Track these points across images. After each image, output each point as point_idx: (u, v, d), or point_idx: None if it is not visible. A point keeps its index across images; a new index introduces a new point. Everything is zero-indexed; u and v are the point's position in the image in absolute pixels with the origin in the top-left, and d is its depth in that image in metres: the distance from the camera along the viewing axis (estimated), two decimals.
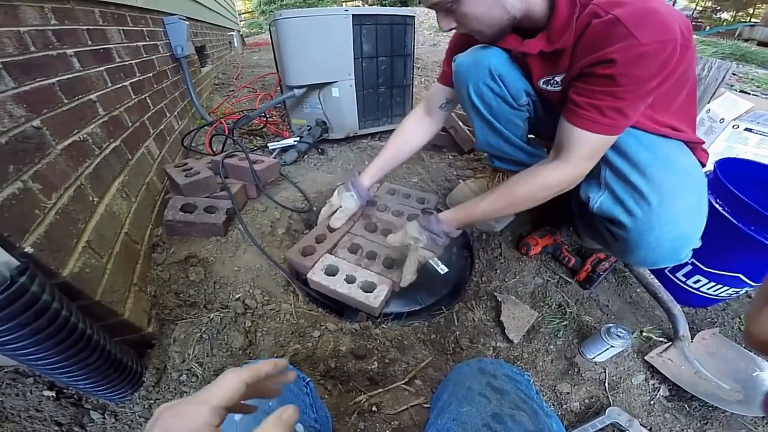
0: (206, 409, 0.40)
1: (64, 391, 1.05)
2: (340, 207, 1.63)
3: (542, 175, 1.17)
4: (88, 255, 1.01)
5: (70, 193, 1.03)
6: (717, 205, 1.31)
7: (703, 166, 1.23)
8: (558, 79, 1.15)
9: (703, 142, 1.21)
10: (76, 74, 1.25)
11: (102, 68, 1.45)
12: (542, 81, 1.20)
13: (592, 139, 1.04)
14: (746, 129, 2.10)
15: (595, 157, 1.10)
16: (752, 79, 5.33)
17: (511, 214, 1.26)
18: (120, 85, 1.58)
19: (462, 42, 1.43)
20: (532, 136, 1.59)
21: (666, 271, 1.56)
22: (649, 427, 1.17)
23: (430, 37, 7.54)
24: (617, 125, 1.01)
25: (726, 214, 1.29)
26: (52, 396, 1.02)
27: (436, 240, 1.35)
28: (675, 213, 1.05)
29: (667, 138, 1.12)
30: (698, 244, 1.13)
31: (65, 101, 1.14)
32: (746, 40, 8.37)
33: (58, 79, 1.13)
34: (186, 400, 0.41)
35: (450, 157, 2.48)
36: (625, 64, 0.91)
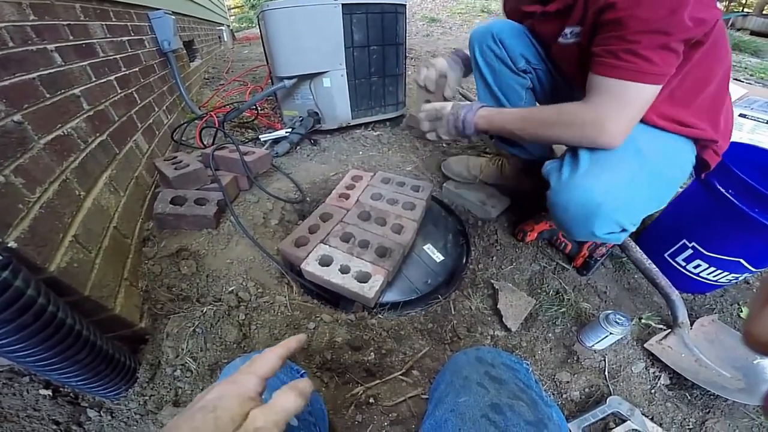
0: (254, 378, 0.49)
1: (60, 389, 1.04)
2: (446, 75, 1.54)
3: (567, 106, 1.10)
4: (75, 249, 0.99)
5: (54, 187, 1.01)
6: (720, 188, 1.30)
7: (708, 168, 1.23)
8: (568, 31, 1.16)
9: (716, 141, 1.16)
10: (57, 69, 1.23)
11: (85, 63, 1.43)
12: (561, 37, 1.21)
13: (612, 84, 0.99)
14: (740, 115, 2.11)
15: (621, 104, 1.00)
16: (746, 68, 5.36)
17: (528, 137, 1.20)
18: (105, 80, 1.57)
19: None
20: None
21: (665, 255, 1.55)
22: (650, 417, 1.16)
23: (423, 27, 7.50)
24: (639, 69, 0.94)
25: (728, 196, 1.27)
26: (49, 395, 1.01)
27: (451, 119, 1.32)
28: (592, 181, 1.04)
29: (660, 130, 1.11)
30: (628, 227, 1.11)
31: (47, 96, 1.13)
32: (739, 30, 8.36)
33: (39, 73, 1.12)
34: (237, 372, 0.50)
35: (444, 145, 2.47)
36: (626, 7, 0.90)
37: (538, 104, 1.57)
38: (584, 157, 1.08)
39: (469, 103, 1.32)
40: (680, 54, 0.94)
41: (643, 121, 1.07)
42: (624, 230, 1.12)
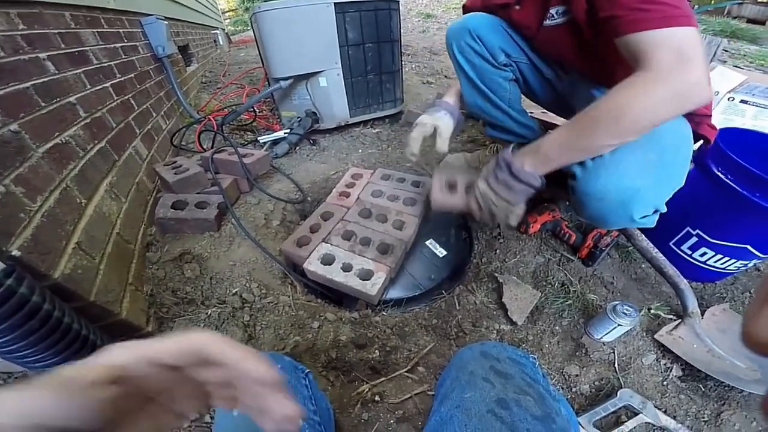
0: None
1: None
2: (437, 129, 1.43)
3: (623, 87, 0.91)
4: (79, 256, 0.99)
5: (55, 195, 1.02)
6: (720, 174, 1.28)
7: (708, 142, 1.20)
8: (554, 11, 1.15)
9: (710, 115, 1.15)
10: (51, 77, 1.24)
11: (79, 71, 1.44)
12: (544, 23, 1.20)
13: (659, 35, 0.85)
14: (742, 101, 2.10)
15: (684, 50, 0.84)
16: (744, 55, 5.34)
17: (598, 144, 0.98)
18: (100, 87, 1.57)
19: (473, 5, 1.55)
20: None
21: (671, 243, 1.53)
22: (663, 409, 1.13)
23: (418, 24, 7.48)
24: (672, 14, 0.83)
25: (729, 182, 1.25)
26: None
27: (497, 173, 1.12)
28: (625, 164, 0.99)
29: None
30: (662, 207, 1.06)
31: (42, 104, 1.14)
32: (735, 18, 8.33)
33: (32, 83, 1.12)
34: None
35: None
36: None
37: (522, 96, 1.57)
38: None
39: (489, 167, 1.16)
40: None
41: None
42: (656, 211, 1.07)
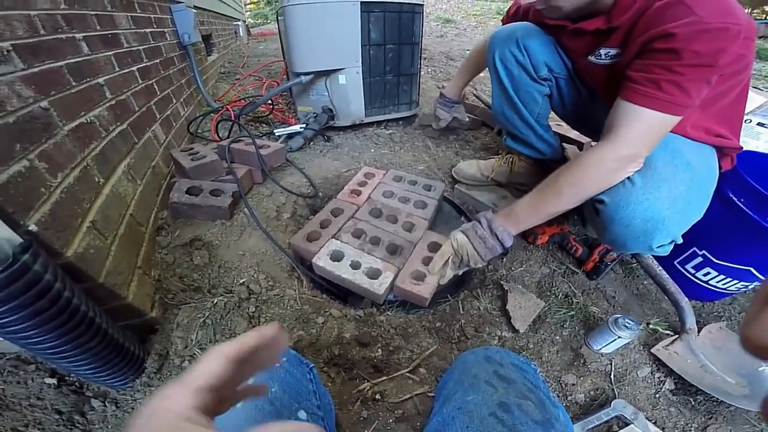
0: (188, 390, 0.37)
1: (66, 378, 1.04)
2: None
3: (585, 158, 1.10)
4: (92, 236, 1.00)
5: (76, 173, 1.03)
6: (732, 197, 1.29)
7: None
8: (603, 52, 1.16)
9: (740, 149, 1.18)
10: (84, 58, 1.25)
11: (110, 53, 1.45)
12: (592, 56, 1.21)
13: (646, 115, 0.99)
14: (759, 123, 2.08)
15: (647, 137, 1.02)
16: (766, 76, 5.35)
17: (557, 210, 1.17)
18: (127, 70, 1.59)
19: (517, 13, 1.55)
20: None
21: (675, 262, 1.54)
22: (654, 421, 1.16)
23: (437, 28, 7.49)
24: (676, 102, 0.96)
25: (740, 205, 1.26)
26: (54, 383, 1.01)
27: (485, 241, 1.24)
28: (656, 195, 1.03)
29: (693, 141, 1.11)
30: (678, 239, 1.10)
31: (73, 84, 1.14)
32: (761, 37, 8.28)
33: (66, 62, 1.13)
34: (173, 382, 0.39)
35: (456, 145, 2.48)
36: (685, 39, 0.90)
37: (552, 112, 1.59)
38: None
39: (470, 224, 1.28)
40: (712, 83, 0.96)
41: (679, 132, 1.09)
42: (672, 242, 1.11)
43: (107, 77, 1.38)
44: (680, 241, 1.11)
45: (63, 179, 0.96)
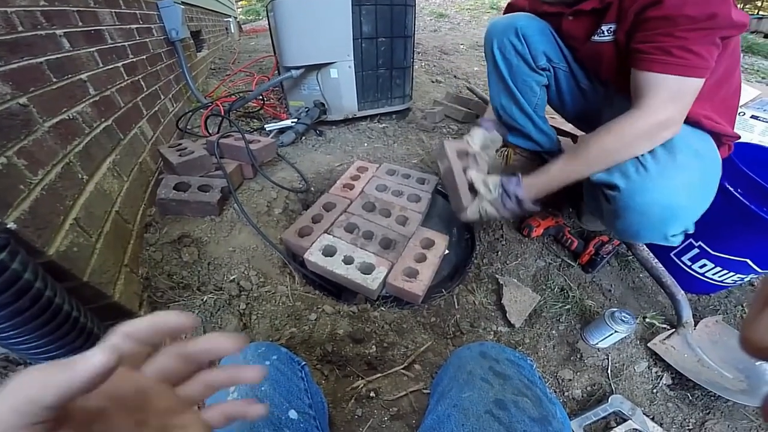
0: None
1: None
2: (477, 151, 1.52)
3: (617, 125, 1.09)
4: (76, 233, 0.98)
5: (57, 169, 1.01)
6: (729, 187, 1.28)
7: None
8: (605, 28, 1.15)
9: (738, 137, 1.18)
10: (65, 54, 1.24)
11: (93, 49, 1.44)
12: (593, 38, 1.21)
13: (667, 81, 0.99)
14: (752, 116, 2.09)
15: (675, 102, 1.01)
16: (758, 70, 5.44)
17: (586, 175, 1.18)
18: (112, 66, 1.57)
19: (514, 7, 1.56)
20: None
21: (671, 254, 1.53)
22: (651, 416, 1.15)
23: (430, 22, 7.46)
24: (691, 65, 0.95)
25: (738, 195, 1.26)
26: None
27: (504, 200, 1.29)
28: (673, 183, 1.02)
29: (694, 127, 1.11)
30: (691, 228, 1.10)
31: (54, 80, 1.14)
32: (753, 32, 8.34)
33: (46, 58, 1.12)
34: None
35: (450, 138, 2.46)
36: (674, 5, 0.91)
37: (548, 104, 1.58)
38: (647, 157, 1.05)
39: (509, 178, 1.29)
40: (720, 47, 0.96)
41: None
42: (683, 231, 1.11)
43: (90, 73, 1.36)
44: (692, 230, 1.10)
45: (44, 176, 0.95)
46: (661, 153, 1.04)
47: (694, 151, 1.06)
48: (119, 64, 1.64)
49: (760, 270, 1.34)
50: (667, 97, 1.00)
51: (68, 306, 0.83)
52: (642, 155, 1.06)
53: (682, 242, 1.46)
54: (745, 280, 1.44)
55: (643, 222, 1.09)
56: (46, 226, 0.89)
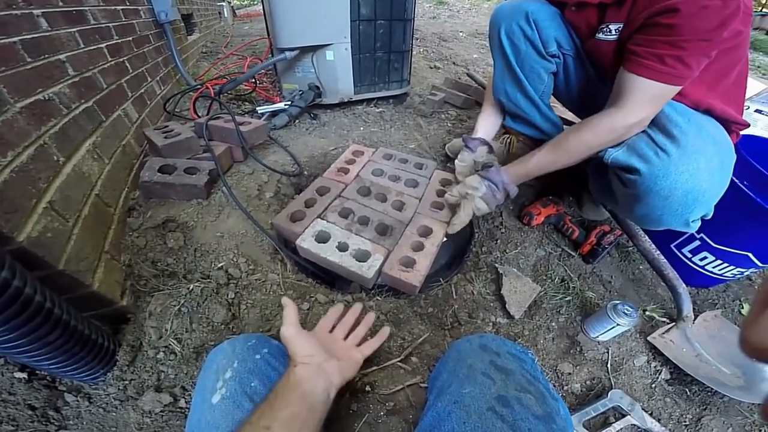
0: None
1: (36, 372, 0.98)
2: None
3: (595, 122, 1.18)
4: (50, 217, 0.92)
5: (30, 151, 0.95)
6: (734, 179, 1.26)
7: None
8: (612, 27, 1.15)
9: (747, 125, 1.20)
10: (42, 34, 1.19)
11: (74, 29, 1.38)
12: (600, 33, 1.21)
13: (649, 85, 1.04)
14: (756, 110, 2.11)
15: (653, 105, 1.08)
16: (758, 66, 5.64)
17: (565, 165, 1.28)
18: (94, 47, 1.51)
19: None
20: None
21: (672, 246, 1.53)
22: (649, 411, 1.14)
23: (429, 9, 7.44)
24: (677, 74, 1.00)
25: (743, 187, 1.25)
26: (24, 378, 0.95)
27: (494, 192, 1.34)
28: (695, 166, 1.02)
29: (704, 114, 1.13)
30: (710, 212, 1.11)
31: (28, 60, 1.08)
32: (756, 29, 8.49)
33: (20, 38, 1.07)
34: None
35: (449, 124, 2.43)
36: (688, 15, 0.91)
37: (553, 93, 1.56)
38: (665, 141, 1.07)
39: (488, 170, 1.37)
40: (711, 57, 0.99)
41: (686, 104, 1.13)
42: (704, 216, 1.13)
43: (70, 54, 1.31)
44: (711, 215, 1.11)
45: (14, 158, 0.89)
46: (680, 137, 1.05)
47: (711, 136, 1.06)
48: (102, 45, 1.58)
49: (760, 264, 1.35)
50: (647, 99, 1.07)
51: (40, 297, 0.77)
52: (659, 139, 1.08)
53: (684, 234, 1.45)
54: (745, 274, 1.45)
55: (666, 206, 1.10)
56: (15, 209, 0.83)
